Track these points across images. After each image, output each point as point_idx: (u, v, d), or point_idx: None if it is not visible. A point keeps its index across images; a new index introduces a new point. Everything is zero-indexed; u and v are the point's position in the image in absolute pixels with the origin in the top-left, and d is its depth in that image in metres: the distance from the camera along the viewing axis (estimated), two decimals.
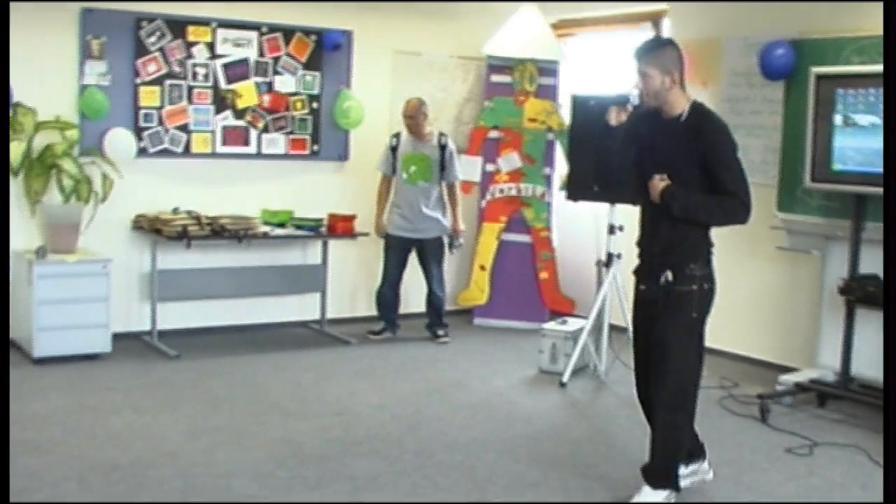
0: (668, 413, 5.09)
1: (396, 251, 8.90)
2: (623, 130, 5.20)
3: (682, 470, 5.30)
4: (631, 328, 5.42)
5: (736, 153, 4.99)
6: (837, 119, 6.90)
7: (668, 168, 4.99)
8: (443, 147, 8.77)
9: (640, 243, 5.28)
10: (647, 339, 5.20)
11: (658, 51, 5.04)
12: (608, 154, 5.37)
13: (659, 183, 4.99)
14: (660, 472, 5.16)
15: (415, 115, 8.66)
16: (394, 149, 8.79)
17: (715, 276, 5.15)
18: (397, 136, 8.85)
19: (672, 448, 5.15)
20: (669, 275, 5.03)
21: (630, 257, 7.84)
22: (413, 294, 9.29)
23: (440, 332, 9.03)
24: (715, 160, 4.90)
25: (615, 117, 5.17)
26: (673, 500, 5.19)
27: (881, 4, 5.50)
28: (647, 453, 5.21)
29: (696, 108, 5.04)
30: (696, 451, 5.40)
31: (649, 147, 5.12)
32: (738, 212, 4.95)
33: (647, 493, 5.16)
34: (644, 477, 5.20)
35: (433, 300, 9.03)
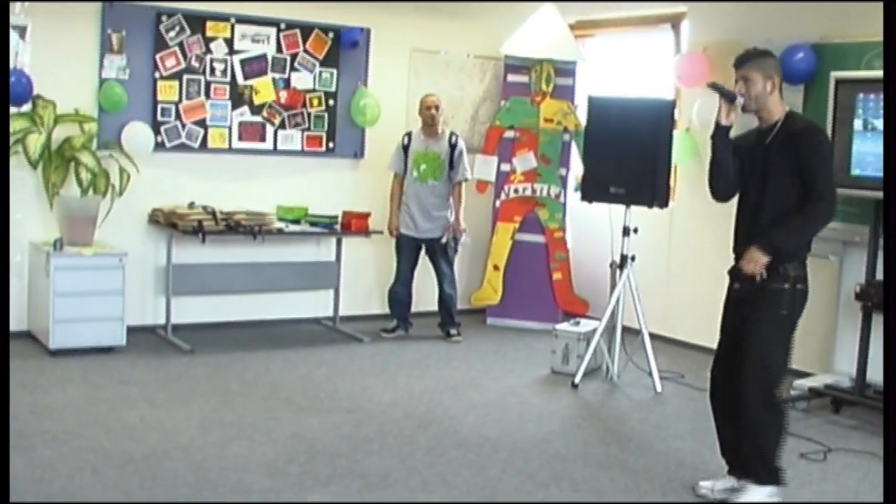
0: (759, 410, 5.15)
1: (407, 250, 8.92)
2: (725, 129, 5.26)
3: (734, 483, 5.37)
4: (720, 328, 5.43)
5: (830, 154, 5.14)
6: (857, 124, 6.88)
7: (766, 174, 5.11)
8: (453, 146, 8.79)
9: (736, 249, 5.32)
10: (735, 338, 5.26)
11: (760, 58, 5.18)
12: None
13: (759, 257, 5.09)
14: (760, 469, 5.24)
15: (436, 106, 8.70)
16: (405, 147, 8.80)
17: (808, 278, 5.21)
18: (409, 134, 8.86)
19: (768, 444, 5.21)
20: (764, 273, 5.09)
21: (643, 258, 7.90)
22: (426, 292, 9.29)
23: (452, 332, 9.03)
24: (806, 161, 5.02)
25: (725, 116, 5.21)
26: (777, 499, 5.26)
27: None
28: (656, 455, 5.21)
29: (791, 116, 5.18)
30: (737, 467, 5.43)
31: (749, 156, 5.23)
32: (825, 214, 5.07)
33: (753, 490, 5.26)
34: (745, 475, 5.28)
35: (445, 299, 9.04)
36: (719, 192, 5.40)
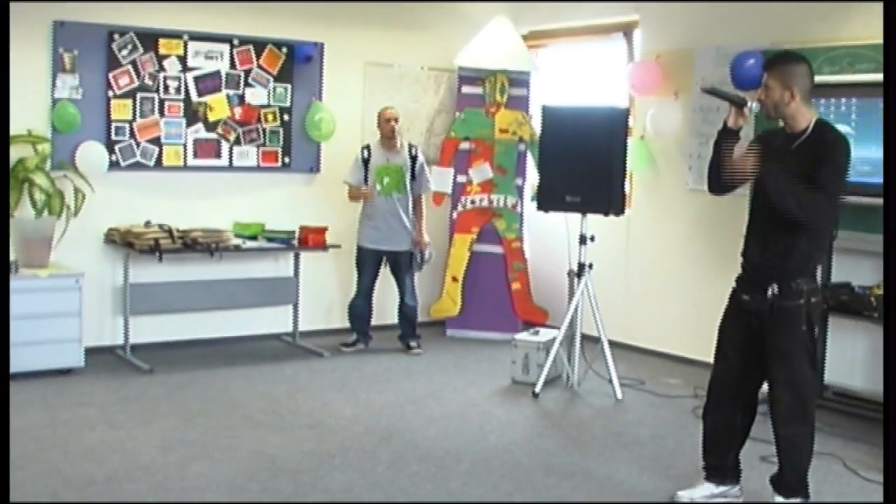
0: (789, 425, 5.17)
1: (370, 263, 8.89)
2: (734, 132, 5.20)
3: (714, 489, 5.41)
4: (720, 332, 5.41)
5: (847, 164, 5.01)
6: None
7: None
8: (413, 158, 8.80)
9: (746, 254, 5.29)
10: (742, 344, 5.26)
11: (783, 65, 5.07)
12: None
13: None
14: (791, 483, 5.25)
15: (396, 118, 8.71)
16: (365, 161, 8.78)
17: (819, 288, 5.21)
18: (367, 147, 8.85)
19: (798, 458, 5.22)
20: (776, 288, 5.07)
21: (601, 266, 7.93)
22: (385, 306, 9.28)
23: (412, 344, 9.03)
24: (822, 162, 4.92)
25: (734, 120, 5.15)
26: None
27: (853, 15, 5.59)
28: (618, 462, 5.21)
29: (819, 124, 5.08)
30: (730, 476, 5.45)
31: (774, 157, 5.09)
32: (823, 212, 4.96)
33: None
34: (775, 488, 5.30)
35: (406, 311, 9.03)
36: (715, 188, 5.37)
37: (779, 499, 5.27)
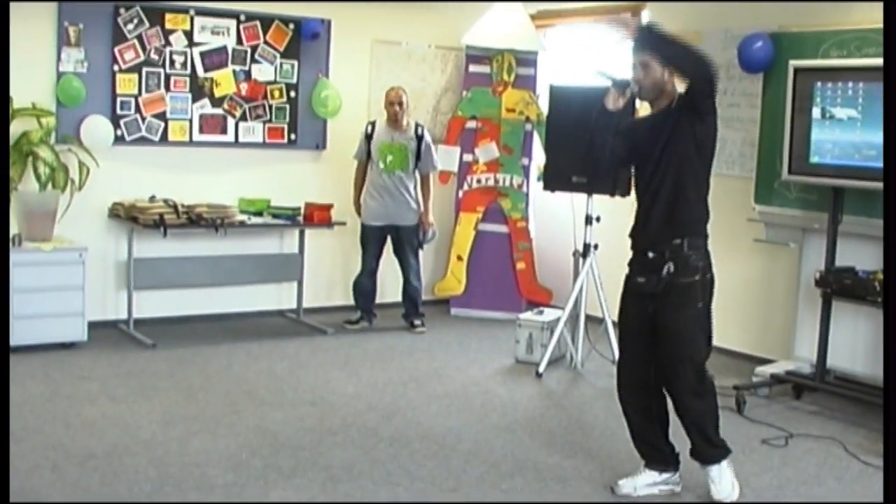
0: (694, 400, 5.16)
1: (373, 240, 8.89)
2: (622, 126, 5.18)
3: (656, 477, 5.35)
4: (620, 319, 5.37)
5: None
6: (815, 112, 6.90)
7: (659, 156, 5.02)
8: (420, 137, 8.78)
9: (632, 234, 5.25)
10: (641, 329, 5.21)
11: (661, 42, 4.99)
12: (589, 144, 5.32)
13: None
14: (710, 450, 5.25)
15: (400, 102, 8.67)
16: (368, 137, 8.78)
17: (711, 264, 5.20)
18: (373, 124, 8.84)
19: (708, 428, 5.22)
20: (671, 266, 5.04)
21: (607, 248, 7.90)
22: (390, 283, 9.28)
23: (416, 322, 9.03)
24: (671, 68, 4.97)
25: (613, 101, 5.12)
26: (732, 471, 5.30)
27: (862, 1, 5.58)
28: (620, 443, 5.20)
29: (681, 96, 5.06)
30: (670, 462, 5.39)
31: (643, 143, 5.11)
32: (707, 65, 4.93)
33: (715, 471, 5.25)
34: (700, 461, 5.28)
35: (409, 290, 9.04)
36: (598, 164, 5.38)
37: (711, 470, 5.24)
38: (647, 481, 5.36)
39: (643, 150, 5.13)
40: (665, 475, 5.37)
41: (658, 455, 5.37)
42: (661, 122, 5.07)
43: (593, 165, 5.52)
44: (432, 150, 8.89)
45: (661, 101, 5.09)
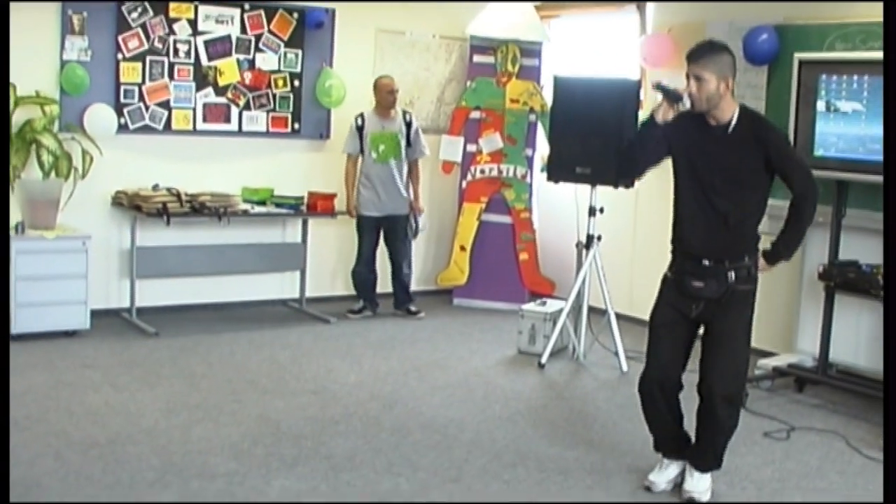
0: (728, 407, 5.11)
1: (369, 230, 8.93)
2: (658, 126, 5.11)
3: (680, 465, 5.34)
4: (656, 316, 5.29)
5: (793, 146, 5.01)
6: (820, 105, 6.90)
7: (728, 175, 4.98)
8: (408, 124, 8.84)
9: (686, 238, 5.17)
10: (680, 330, 5.19)
11: (716, 55, 4.95)
12: (626, 152, 5.31)
13: (764, 266, 5.14)
14: (715, 460, 5.25)
15: (397, 90, 8.76)
16: (360, 129, 8.79)
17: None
18: (361, 115, 8.86)
19: (726, 438, 5.21)
20: (733, 275, 5.01)
21: (609, 239, 7.91)
22: (390, 273, 9.27)
23: (413, 308, 9.11)
24: (781, 160, 4.94)
25: (663, 114, 5.03)
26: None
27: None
28: (622, 434, 5.20)
29: (745, 113, 5.02)
30: (684, 448, 5.38)
31: (700, 152, 5.05)
32: (812, 208, 5.01)
33: (698, 478, 5.23)
34: (694, 464, 5.25)
35: (401, 277, 9.10)
36: (628, 174, 5.36)
37: (696, 474, 5.22)
38: (677, 471, 5.35)
39: (700, 157, 5.06)
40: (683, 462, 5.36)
41: (679, 445, 5.36)
42: (724, 138, 4.99)
43: (624, 172, 5.49)
44: (421, 137, 8.95)
45: (716, 113, 4.98)
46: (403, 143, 8.83)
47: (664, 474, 5.34)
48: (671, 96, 5.00)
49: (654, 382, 5.26)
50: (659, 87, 5.10)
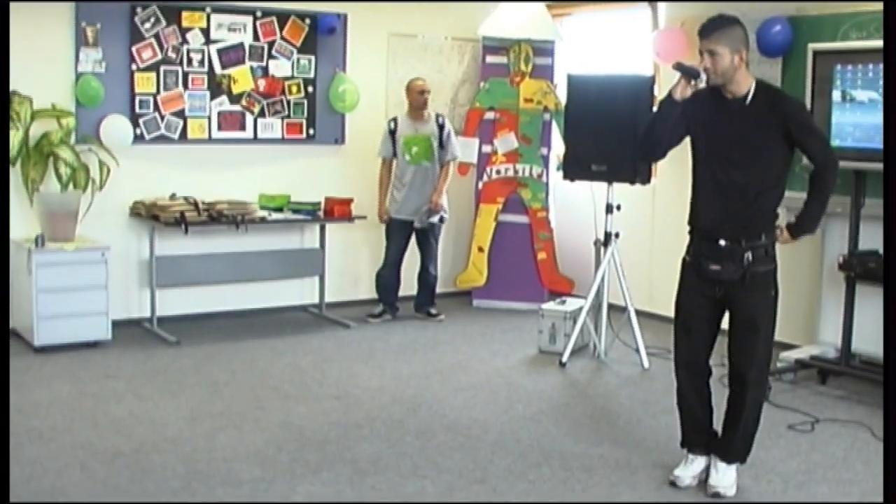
0: (756, 389, 5.14)
1: (399, 233, 8.93)
2: (677, 104, 5.09)
3: (706, 461, 5.33)
4: (680, 301, 5.30)
5: (813, 117, 4.99)
6: (836, 95, 6.88)
7: (746, 146, 4.96)
8: (441, 126, 8.83)
9: (701, 219, 5.17)
10: (704, 314, 5.20)
11: (727, 28, 4.95)
12: (646, 133, 5.30)
13: (787, 238, 5.14)
14: (744, 450, 5.26)
15: (428, 91, 8.80)
16: (392, 132, 8.80)
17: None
18: (395, 119, 8.89)
19: (755, 424, 5.22)
20: (750, 256, 4.99)
21: (627, 235, 7.91)
22: (412, 276, 9.26)
23: (433, 311, 9.11)
24: (801, 131, 4.95)
25: (681, 91, 5.02)
26: None
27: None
28: (645, 430, 5.19)
29: (762, 86, 5.02)
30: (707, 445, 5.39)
31: (717, 125, 5.04)
32: (833, 176, 5.03)
33: (724, 472, 5.22)
34: (720, 455, 5.24)
35: (428, 278, 9.10)
36: (649, 153, 5.38)
37: (721, 465, 5.22)
38: (702, 467, 5.33)
39: (717, 130, 5.06)
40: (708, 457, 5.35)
41: (706, 439, 5.34)
42: (741, 110, 4.99)
43: (643, 155, 5.49)
44: (454, 139, 8.94)
45: (732, 87, 4.99)
46: (436, 145, 8.84)
47: (690, 469, 5.33)
48: (689, 73, 5.00)
49: (682, 367, 5.30)
50: (679, 66, 5.09)
